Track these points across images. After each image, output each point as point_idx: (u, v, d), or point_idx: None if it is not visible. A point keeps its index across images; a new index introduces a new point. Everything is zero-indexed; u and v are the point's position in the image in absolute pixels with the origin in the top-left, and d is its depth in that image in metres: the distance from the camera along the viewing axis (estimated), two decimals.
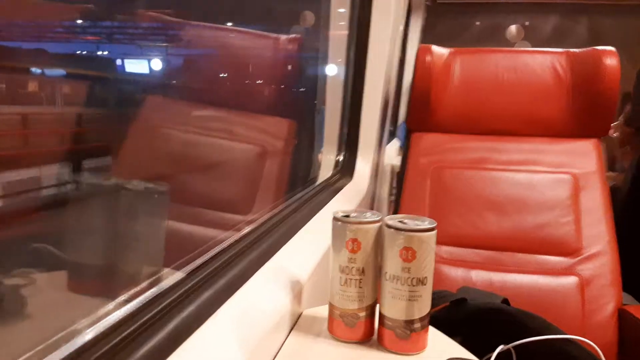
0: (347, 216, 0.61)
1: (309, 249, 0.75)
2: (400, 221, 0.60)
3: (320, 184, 1.14)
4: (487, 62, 1.44)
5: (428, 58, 1.38)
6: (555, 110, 1.41)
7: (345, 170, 1.33)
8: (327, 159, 1.36)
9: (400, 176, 1.43)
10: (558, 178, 1.37)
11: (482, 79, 1.43)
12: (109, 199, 0.59)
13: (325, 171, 1.37)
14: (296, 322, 0.64)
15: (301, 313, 0.67)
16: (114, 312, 0.43)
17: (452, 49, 1.46)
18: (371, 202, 1.52)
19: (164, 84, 1.42)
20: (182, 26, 1.39)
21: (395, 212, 1.39)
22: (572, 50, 1.43)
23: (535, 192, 1.35)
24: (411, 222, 0.60)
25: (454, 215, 1.33)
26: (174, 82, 1.42)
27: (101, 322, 0.41)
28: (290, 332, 0.61)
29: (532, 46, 3.43)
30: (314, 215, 0.90)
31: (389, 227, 0.59)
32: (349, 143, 1.35)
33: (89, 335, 0.39)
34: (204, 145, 1.33)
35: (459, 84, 1.43)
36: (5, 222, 0.60)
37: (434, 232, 0.59)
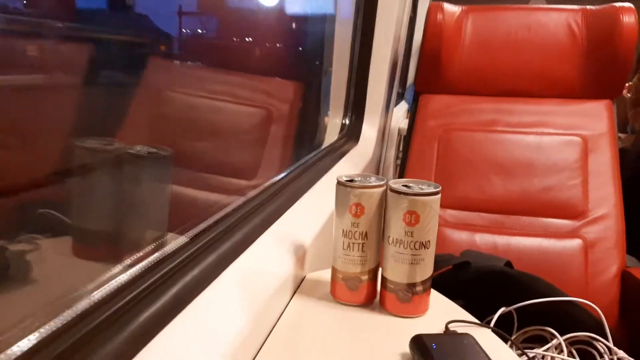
0: (351, 181, 0.61)
1: (312, 213, 0.75)
2: (404, 185, 0.59)
3: (325, 148, 1.14)
4: (500, 20, 1.40)
5: (439, 16, 1.34)
6: (568, 70, 1.38)
7: (351, 134, 1.31)
8: (333, 123, 1.35)
9: (407, 139, 1.41)
10: (567, 140, 1.35)
11: (494, 38, 1.39)
12: (113, 164, 0.59)
13: (332, 135, 1.36)
14: (299, 286, 0.65)
15: (304, 277, 0.67)
16: (118, 276, 0.44)
17: (464, 7, 1.41)
18: (377, 166, 1.51)
19: (164, 44, 1.39)
20: None
21: (401, 176, 1.38)
22: (588, 7, 1.38)
23: (544, 155, 1.33)
24: (415, 186, 0.59)
25: (460, 178, 1.32)
26: (175, 43, 1.39)
27: (105, 286, 0.42)
28: (293, 295, 0.62)
29: (548, 3, 3.32)
30: (319, 179, 0.90)
31: (393, 191, 0.59)
32: (356, 106, 1.34)
33: (93, 298, 0.39)
34: (208, 109, 1.32)
35: (470, 43, 1.39)
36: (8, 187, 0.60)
37: (438, 196, 0.59)
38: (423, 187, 0.60)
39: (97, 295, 0.40)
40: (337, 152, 1.15)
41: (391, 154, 1.86)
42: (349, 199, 0.60)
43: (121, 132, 1.24)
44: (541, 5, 1.46)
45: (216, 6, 1.34)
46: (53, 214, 0.67)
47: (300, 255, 0.64)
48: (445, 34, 1.36)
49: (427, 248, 0.59)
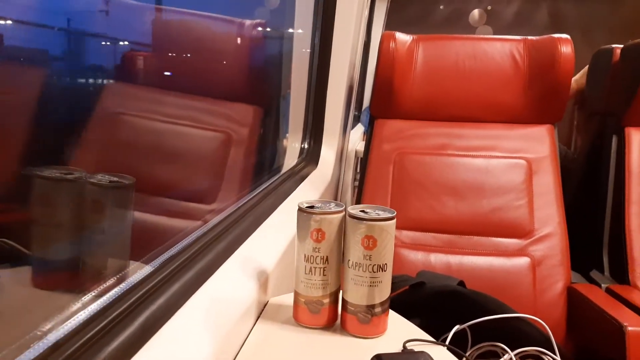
0: (312, 207, 0.63)
1: (274, 238, 0.77)
2: (362, 210, 0.62)
3: (286, 172, 1.16)
4: (448, 49, 1.48)
5: (392, 45, 1.41)
6: (513, 97, 1.47)
7: (310, 157, 1.34)
8: (292, 147, 1.37)
9: (364, 162, 1.45)
10: (513, 163, 1.43)
11: (443, 66, 1.46)
12: (74, 193, 0.59)
13: (291, 159, 1.39)
14: (262, 310, 0.66)
15: (267, 301, 0.69)
16: (82, 309, 0.44)
17: (414, 36, 1.48)
18: (336, 188, 1.54)
19: (122, 69, 1.39)
20: (142, 10, 1.36)
21: (359, 198, 1.42)
22: (529, 37, 1.48)
23: (492, 177, 1.40)
24: (372, 212, 0.62)
25: (414, 200, 1.38)
26: (133, 67, 1.39)
27: (71, 319, 0.42)
28: (256, 320, 0.64)
29: (494, 31, 3.51)
30: (280, 204, 0.91)
31: (351, 216, 0.61)
32: (314, 130, 1.37)
33: (58, 333, 0.39)
34: (166, 133, 1.32)
35: (421, 71, 1.46)
36: None
37: (394, 221, 0.62)
38: (379, 212, 0.63)
39: (61, 330, 0.40)
40: (297, 175, 1.18)
41: (349, 176, 1.90)
42: (309, 224, 0.62)
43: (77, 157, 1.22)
44: (487, 35, 1.55)
45: (193, 46, 1.36)
46: (9, 243, 0.65)
47: (263, 280, 0.66)
48: (397, 61, 1.42)
49: (385, 270, 0.62)
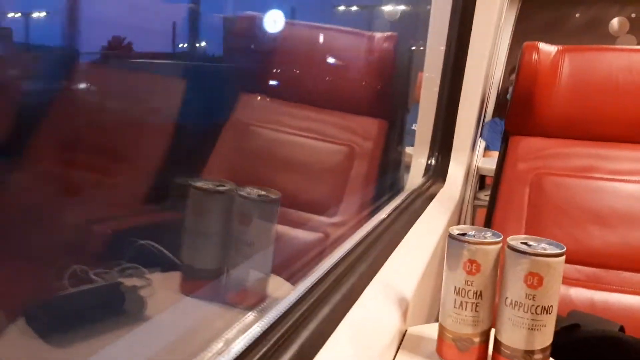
0: (464, 234, 0.58)
1: (412, 262, 0.73)
2: (524, 243, 0.56)
3: (414, 190, 1.11)
4: (599, 61, 1.32)
5: (534, 56, 1.29)
6: None
7: (438, 174, 1.28)
8: (417, 163, 1.32)
9: (495, 182, 1.35)
10: None
11: (593, 80, 1.31)
12: (224, 205, 0.60)
13: (415, 175, 1.33)
14: (402, 340, 0.62)
15: (406, 331, 0.64)
16: (232, 325, 0.43)
17: (559, 47, 1.35)
18: (461, 208, 1.45)
19: (255, 81, 1.44)
20: (278, 22, 1.40)
21: (488, 222, 1.31)
22: None
23: None
24: (536, 245, 0.55)
25: (553, 227, 1.24)
26: (267, 79, 1.43)
27: (224, 334, 0.41)
28: (397, 351, 0.59)
29: (638, 41, 3.13)
30: (412, 224, 0.87)
31: (513, 249, 0.55)
32: (443, 145, 1.30)
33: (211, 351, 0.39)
34: (295, 146, 1.34)
35: (566, 85, 1.32)
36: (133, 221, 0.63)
37: (563, 258, 0.54)
38: (545, 245, 0.55)
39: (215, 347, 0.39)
40: (426, 194, 1.12)
41: (471, 194, 1.79)
42: (462, 254, 0.56)
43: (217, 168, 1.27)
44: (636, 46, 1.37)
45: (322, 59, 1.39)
46: (156, 246, 0.68)
47: (404, 308, 0.61)
48: (540, 74, 1.30)
49: (550, 313, 0.54)
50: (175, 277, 0.62)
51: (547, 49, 1.33)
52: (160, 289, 0.61)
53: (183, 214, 0.61)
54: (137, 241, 0.70)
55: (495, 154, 2.36)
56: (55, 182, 0.97)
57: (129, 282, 0.58)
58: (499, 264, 0.57)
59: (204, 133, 1.40)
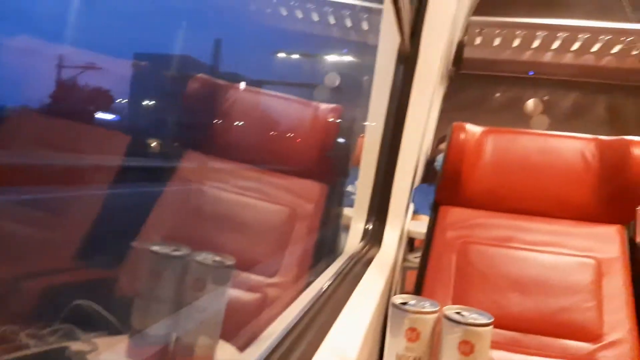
0: (405, 303, 0.63)
1: (355, 329, 0.76)
2: (457, 312, 0.61)
3: (354, 255, 1.16)
4: (518, 143, 1.49)
5: (462, 135, 1.43)
6: (582, 195, 1.44)
7: (375, 239, 1.34)
8: (356, 227, 1.38)
9: (425, 248, 1.44)
10: (582, 262, 1.37)
11: (512, 159, 1.47)
12: (179, 269, 0.61)
13: (353, 237, 1.38)
14: None
15: None
16: None
17: (484, 128, 1.51)
18: (393, 271, 1.52)
19: (203, 140, 1.47)
20: (228, 89, 1.45)
21: (419, 287, 1.38)
22: (600, 137, 1.48)
23: (559, 275, 1.35)
24: (468, 314, 0.61)
25: (478, 293, 1.33)
26: (214, 139, 1.46)
27: None
28: None
29: (550, 121, 3.52)
30: (353, 290, 0.90)
31: (448, 318, 0.60)
32: (379, 210, 1.38)
33: None
34: (238, 205, 1.36)
35: (489, 162, 1.47)
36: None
37: (491, 327, 0.60)
38: (475, 315, 0.61)
39: None
40: (364, 259, 1.17)
41: (401, 257, 1.88)
42: (403, 322, 0.61)
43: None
44: (556, 132, 1.55)
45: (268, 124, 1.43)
46: (94, 307, 0.67)
47: None
48: (466, 152, 1.44)
49: None
50: (121, 341, 0.61)
51: (473, 129, 1.48)
52: (106, 354, 0.59)
53: (121, 273, 0.61)
54: (72, 300, 0.68)
55: (422, 218, 2.50)
56: None
57: (74, 346, 0.56)
58: (435, 332, 0.62)
59: (144, 187, 1.39)
